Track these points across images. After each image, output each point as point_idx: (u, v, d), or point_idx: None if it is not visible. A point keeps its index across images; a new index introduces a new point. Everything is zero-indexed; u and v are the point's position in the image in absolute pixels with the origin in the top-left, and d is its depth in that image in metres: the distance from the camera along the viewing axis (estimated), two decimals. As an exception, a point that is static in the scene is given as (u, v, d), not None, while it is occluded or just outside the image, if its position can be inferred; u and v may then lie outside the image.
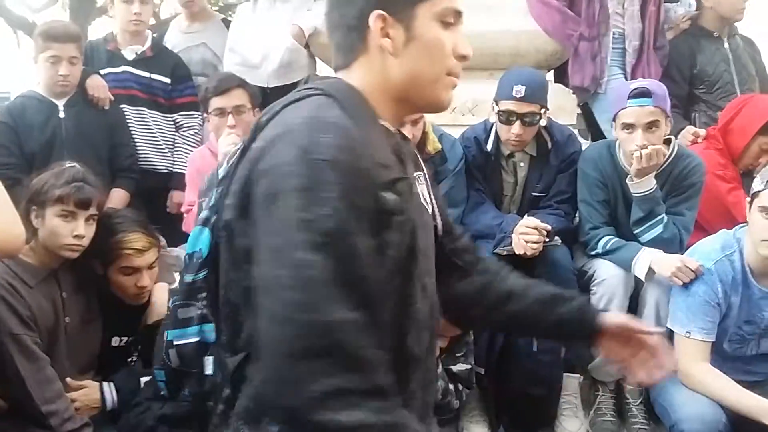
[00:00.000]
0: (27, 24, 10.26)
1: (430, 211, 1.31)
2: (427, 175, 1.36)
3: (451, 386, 2.41)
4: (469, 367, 2.45)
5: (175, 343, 1.19)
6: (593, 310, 1.47)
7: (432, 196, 1.35)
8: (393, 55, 1.18)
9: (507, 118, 2.77)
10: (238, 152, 1.15)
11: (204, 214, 1.17)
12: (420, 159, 1.37)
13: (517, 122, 2.75)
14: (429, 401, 1.28)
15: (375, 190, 1.07)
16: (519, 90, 2.73)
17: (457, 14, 1.23)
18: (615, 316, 1.47)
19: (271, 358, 0.97)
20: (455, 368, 2.40)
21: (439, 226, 1.34)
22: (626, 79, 3.38)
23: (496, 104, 2.82)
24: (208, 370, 1.18)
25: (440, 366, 2.40)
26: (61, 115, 3.20)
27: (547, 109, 2.83)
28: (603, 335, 1.42)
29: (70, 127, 3.19)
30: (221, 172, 1.18)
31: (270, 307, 0.99)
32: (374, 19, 1.16)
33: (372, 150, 1.09)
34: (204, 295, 1.18)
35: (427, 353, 1.22)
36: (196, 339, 1.18)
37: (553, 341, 2.28)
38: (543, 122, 2.84)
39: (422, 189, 1.30)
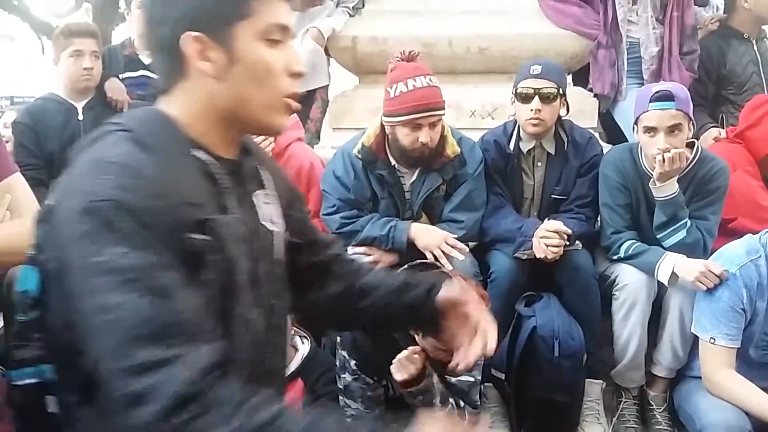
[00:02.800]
0: (52, 29, 10.36)
1: (277, 230, 1.25)
2: (275, 192, 1.29)
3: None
4: (472, 380, 2.40)
5: (16, 383, 1.14)
6: (437, 292, 1.40)
7: (280, 213, 1.28)
8: (216, 80, 1.10)
9: (525, 96, 2.78)
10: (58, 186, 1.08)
11: (30, 252, 1.11)
12: (266, 176, 1.28)
13: (536, 98, 2.75)
14: None
15: (179, 232, 1.01)
16: (536, 68, 2.79)
17: (284, 30, 1.14)
18: (446, 290, 1.39)
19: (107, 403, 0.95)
20: (455, 380, 2.38)
21: (278, 247, 1.27)
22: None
23: (515, 91, 2.83)
24: (52, 408, 1.13)
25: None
26: (80, 117, 3.24)
27: (565, 95, 2.84)
28: (443, 315, 1.38)
29: (89, 129, 3.19)
30: (45, 206, 1.10)
31: (92, 355, 0.96)
32: (187, 42, 1.08)
33: (175, 188, 1.02)
34: (38, 335, 1.12)
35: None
36: (36, 380, 1.13)
37: (411, 330, 2.21)
38: (563, 113, 2.85)
39: (268, 209, 1.24)
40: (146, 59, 3.59)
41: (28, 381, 1.13)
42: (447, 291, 1.40)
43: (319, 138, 3.87)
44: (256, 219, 1.21)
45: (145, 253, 0.96)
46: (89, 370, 0.98)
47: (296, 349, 2.26)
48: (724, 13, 3.95)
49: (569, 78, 3.82)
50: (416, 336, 2.20)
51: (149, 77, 3.57)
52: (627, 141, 3.23)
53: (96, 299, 0.95)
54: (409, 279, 1.46)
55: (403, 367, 2.16)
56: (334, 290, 1.44)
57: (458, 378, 2.38)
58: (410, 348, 2.20)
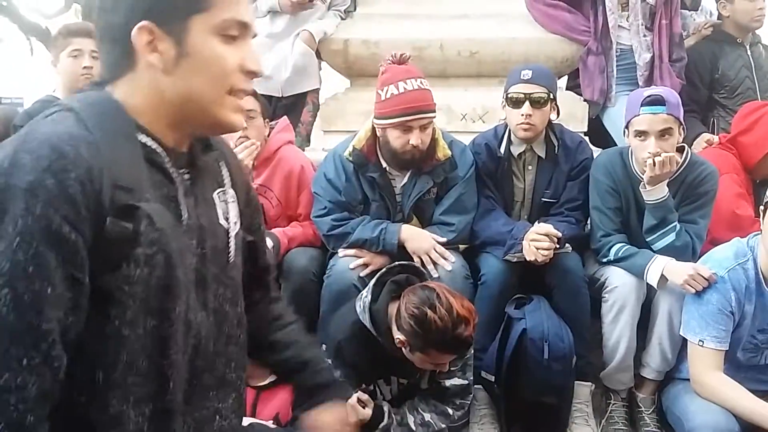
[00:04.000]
0: (40, 30, 10.35)
1: (234, 231, 1.22)
2: (234, 190, 1.26)
3: (428, 416, 2.39)
4: (465, 382, 2.42)
5: None
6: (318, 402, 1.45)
7: (237, 213, 1.25)
8: (164, 73, 1.07)
9: (516, 100, 2.79)
10: None
11: None
12: (229, 176, 1.25)
13: (526, 102, 2.76)
14: None
15: (102, 217, 0.98)
16: (526, 73, 2.80)
17: (243, 26, 1.11)
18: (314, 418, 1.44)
19: None
20: (448, 383, 2.39)
21: (235, 250, 1.23)
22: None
23: (506, 96, 2.85)
24: None
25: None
26: None
27: (555, 100, 2.85)
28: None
29: None
30: None
31: None
32: (138, 32, 1.05)
33: (108, 170, 0.99)
34: None
35: (193, 400, 1.16)
36: None
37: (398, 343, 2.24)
38: (554, 117, 2.86)
39: (226, 208, 1.21)
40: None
41: None
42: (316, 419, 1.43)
43: (309, 141, 3.87)
44: (212, 217, 1.18)
45: (38, 258, 0.94)
46: None
47: None
48: (718, 18, 3.98)
49: (563, 81, 3.87)
50: (403, 349, 2.20)
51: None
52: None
53: None
54: (310, 363, 1.48)
55: (354, 411, 2.18)
56: (258, 307, 1.43)
57: (451, 381, 2.39)
58: (359, 393, 2.24)
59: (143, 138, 1.08)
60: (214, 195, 1.20)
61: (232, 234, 1.22)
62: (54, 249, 0.95)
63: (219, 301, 1.20)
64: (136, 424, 1.06)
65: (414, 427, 2.37)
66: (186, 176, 1.14)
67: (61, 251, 0.95)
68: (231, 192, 1.24)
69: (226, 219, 1.21)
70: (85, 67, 3.15)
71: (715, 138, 3.32)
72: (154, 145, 1.09)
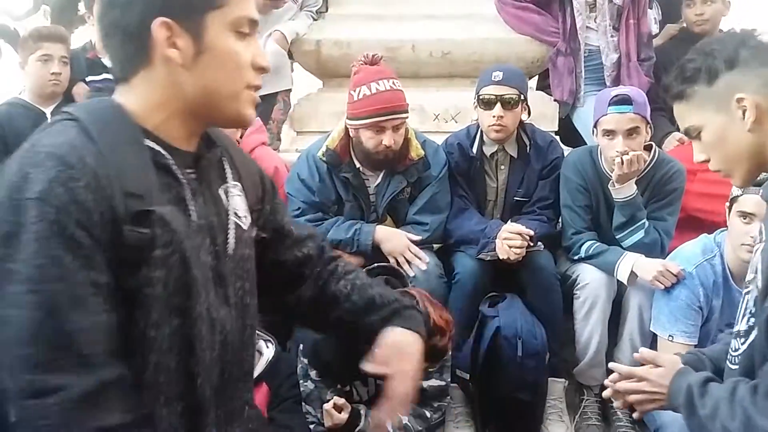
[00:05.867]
0: (9, 32, 10.15)
1: (243, 224, 1.23)
2: (241, 185, 1.26)
3: (405, 419, 2.39)
4: (443, 383, 2.43)
5: None
6: (392, 323, 1.36)
7: (246, 208, 1.26)
8: (183, 68, 1.08)
9: (487, 101, 2.81)
10: None
11: None
12: (232, 169, 1.26)
13: (498, 104, 2.78)
14: None
15: (118, 225, 1.00)
16: (497, 75, 2.81)
17: (253, 23, 1.14)
18: (392, 339, 1.35)
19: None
20: (426, 384, 2.40)
21: (247, 242, 1.25)
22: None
23: (477, 97, 2.87)
24: None
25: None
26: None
27: (526, 101, 2.88)
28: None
29: None
30: None
31: None
32: (158, 27, 1.05)
33: (116, 178, 1.01)
34: None
35: (223, 393, 1.18)
36: None
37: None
38: (525, 117, 2.89)
39: (233, 202, 1.22)
40: (108, 62, 3.54)
41: None
42: (389, 342, 1.34)
43: (280, 139, 3.86)
44: (220, 212, 1.19)
45: (58, 261, 0.94)
46: None
47: (261, 354, 2.26)
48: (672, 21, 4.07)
49: (534, 81, 3.90)
50: None
51: (112, 80, 3.52)
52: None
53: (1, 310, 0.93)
54: (377, 297, 1.39)
55: (330, 416, 2.19)
56: (306, 294, 1.41)
57: (428, 383, 2.40)
58: (335, 398, 2.24)
59: (150, 143, 1.09)
60: (220, 191, 1.21)
61: (243, 229, 1.23)
62: (71, 253, 0.96)
63: (239, 295, 1.21)
64: (169, 423, 1.07)
65: (391, 430, 2.37)
66: (192, 176, 1.15)
67: (78, 255, 0.96)
68: (237, 185, 1.25)
69: (235, 214, 1.22)
70: (53, 73, 3.13)
71: (686, 137, 3.37)
72: (161, 149, 1.10)
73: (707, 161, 1.49)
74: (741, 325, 1.44)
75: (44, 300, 0.93)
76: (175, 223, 1.05)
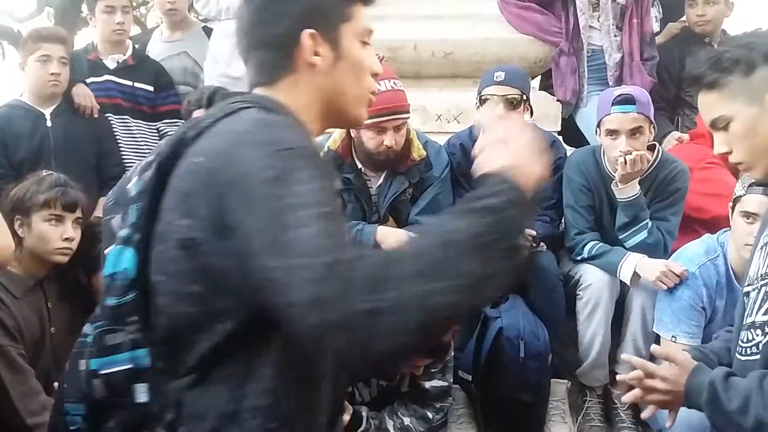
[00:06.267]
0: (12, 34, 10.20)
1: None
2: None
3: (407, 421, 2.39)
4: (446, 384, 2.43)
5: (102, 372, 1.09)
6: None
7: None
8: (324, 74, 1.20)
9: (489, 102, 2.81)
10: (155, 167, 1.09)
11: (124, 232, 1.09)
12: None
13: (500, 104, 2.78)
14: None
15: (331, 181, 1.09)
16: (499, 75, 2.82)
17: (371, 34, 1.27)
18: None
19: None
20: (428, 384, 2.39)
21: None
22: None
23: (480, 98, 2.86)
24: (141, 398, 1.07)
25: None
26: (48, 124, 3.19)
27: (529, 100, 2.87)
28: None
29: (59, 136, 3.19)
30: (133, 188, 1.11)
31: (273, 294, 0.94)
32: (307, 37, 1.18)
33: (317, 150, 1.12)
34: (134, 318, 1.08)
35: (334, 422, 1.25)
36: (129, 366, 1.08)
37: None
38: (527, 117, 2.88)
39: None
40: (110, 64, 3.55)
41: (120, 368, 1.08)
42: None
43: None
44: None
45: (327, 189, 1.01)
46: (205, 350, 1.02)
47: None
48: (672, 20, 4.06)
49: (536, 82, 3.89)
50: None
51: (114, 82, 3.53)
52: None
53: (292, 234, 0.93)
54: None
55: None
56: None
57: (431, 384, 2.40)
58: None
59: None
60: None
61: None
62: (330, 187, 1.04)
63: None
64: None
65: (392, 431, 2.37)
66: None
67: (332, 190, 1.06)
68: None
69: None
70: (52, 73, 3.12)
71: (686, 136, 3.37)
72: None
73: (729, 153, 1.49)
74: (757, 317, 1.45)
75: (331, 215, 0.98)
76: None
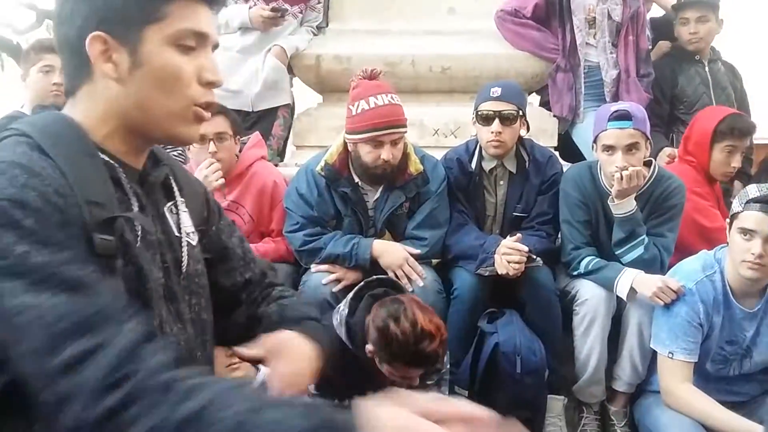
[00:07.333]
0: (11, 46, 10.22)
1: (191, 242, 1.21)
2: (186, 204, 1.23)
3: None
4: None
5: None
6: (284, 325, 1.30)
7: (191, 226, 1.23)
8: (117, 83, 1.07)
9: (486, 117, 2.81)
10: None
11: None
12: (175, 187, 1.23)
13: (496, 120, 2.79)
14: None
15: (87, 231, 0.97)
16: (496, 90, 2.82)
17: (200, 36, 1.10)
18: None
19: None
20: None
21: (195, 259, 1.22)
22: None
23: (476, 113, 2.87)
24: None
25: None
26: None
27: (525, 115, 2.88)
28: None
29: None
30: None
31: (17, 361, 0.89)
32: (91, 42, 1.04)
33: (79, 187, 0.98)
34: None
35: None
36: None
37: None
38: (524, 132, 2.89)
39: (179, 219, 1.20)
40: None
41: None
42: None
43: (280, 156, 3.86)
44: (167, 231, 1.17)
45: (50, 249, 0.91)
46: (12, 377, 0.92)
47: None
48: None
49: (534, 97, 3.91)
50: (374, 359, 2.20)
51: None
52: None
53: (10, 303, 0.88)
54: (291, 312, 1.34)
55: None
56: (239, 320, 1.36)
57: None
58: None
59: (103, 156, 1.08)
60: (165, 209, 1.19)
61: (191, 245, 1.21)
62: (67, 248, 0.93)
63: (195, 311, 1.19)
64: None
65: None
66: (140, 192, 1.13)
67: (61, 255, 0.93)
68: (182, 202, 1.23)
69: (182, 232, 1.20)
70: (54, 84, 3.12)
71: (676, 152, 3.39)
72: (114, 163, 1.09)
73: None
74: None
75: (54, 285, 0.89)
76: (129, 235, 1.04)
